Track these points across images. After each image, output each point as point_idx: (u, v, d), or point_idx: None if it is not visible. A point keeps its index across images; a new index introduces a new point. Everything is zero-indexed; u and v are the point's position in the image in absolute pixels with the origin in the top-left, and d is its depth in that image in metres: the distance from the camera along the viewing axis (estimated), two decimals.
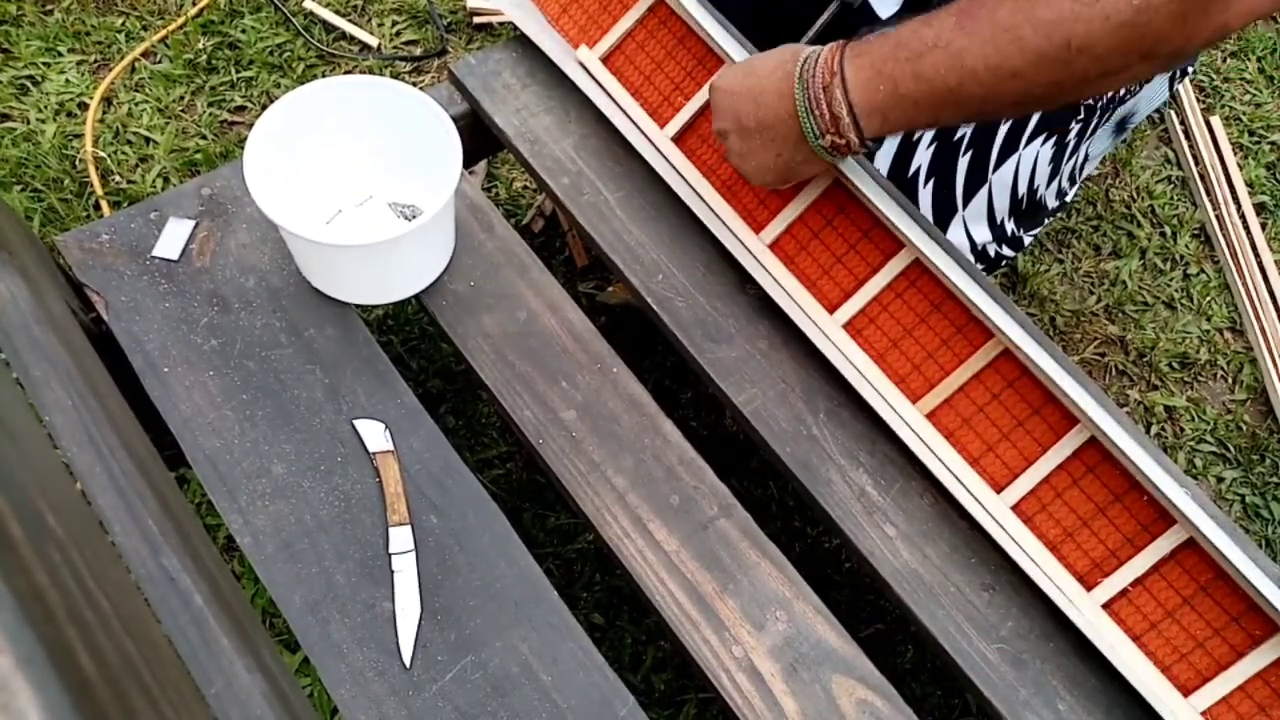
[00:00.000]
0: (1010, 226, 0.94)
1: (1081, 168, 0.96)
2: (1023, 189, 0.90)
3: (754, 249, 0.79)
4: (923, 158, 0.87)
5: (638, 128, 0.85)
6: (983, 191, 0.89)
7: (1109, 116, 0.92)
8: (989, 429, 0.72)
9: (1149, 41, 0.57)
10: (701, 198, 0.81)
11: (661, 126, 0.84)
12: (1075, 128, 0.88)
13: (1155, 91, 0.92)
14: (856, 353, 0.76)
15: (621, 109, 0.85)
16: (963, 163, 0.87)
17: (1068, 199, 1.01)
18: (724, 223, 0.80)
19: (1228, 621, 0.66)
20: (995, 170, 0.88)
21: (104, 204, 1.18)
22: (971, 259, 0.91)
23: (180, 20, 1.34)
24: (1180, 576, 0.67)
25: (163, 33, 1.33)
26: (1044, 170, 0.89)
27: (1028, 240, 0.99)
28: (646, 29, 0.85)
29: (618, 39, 0.85)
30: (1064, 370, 0.72)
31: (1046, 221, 1.01)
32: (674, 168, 0.83)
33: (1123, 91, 0.90)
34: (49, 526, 0.39)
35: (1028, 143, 0.86)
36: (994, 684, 0.67)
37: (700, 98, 0.83)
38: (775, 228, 0.79)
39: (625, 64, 0.85)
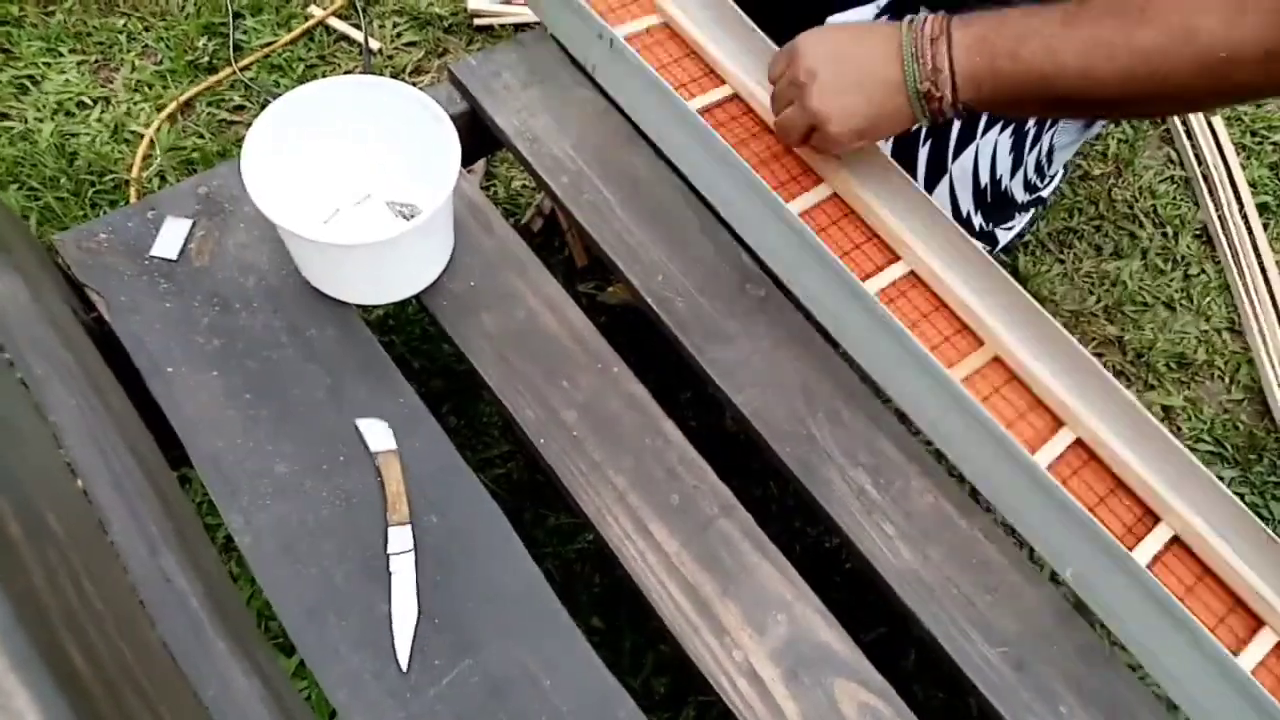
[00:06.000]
0: (978, 221, 0.94)
1: (1049, 160, 0.95)
2: (985, 179, 0.90)
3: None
4: (885, 150, 0.87)
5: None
6: (944, 182, 0.89)
7: None
8: None
9: (1230, 84, 0.62)
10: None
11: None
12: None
13: None
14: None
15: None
16: (923, 153, 0.88)
17: (1043, 195, 1.00)
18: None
19: (1216, 623, 0.66)
20: (955, 160, 0.88)
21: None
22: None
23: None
24: (1169, 579, 0.67)
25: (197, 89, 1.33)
26: (1005, 159, 0.90)
27: (1003, 238, 0.99)
28: (641, 42, 0.85)
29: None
30: (1053, 373, 0.73)
31: (1018, 218, 1.00)
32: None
33: None
34: (49, 528, 0.38)
35: (984, 131, 0.87)
36: (996, 686, 0.67)
37: (708, 97, 0.83)
38: None
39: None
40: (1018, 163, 0.91)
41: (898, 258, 0.78)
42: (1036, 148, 0.91)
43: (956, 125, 0.86)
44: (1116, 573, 0.65)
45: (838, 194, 0.80)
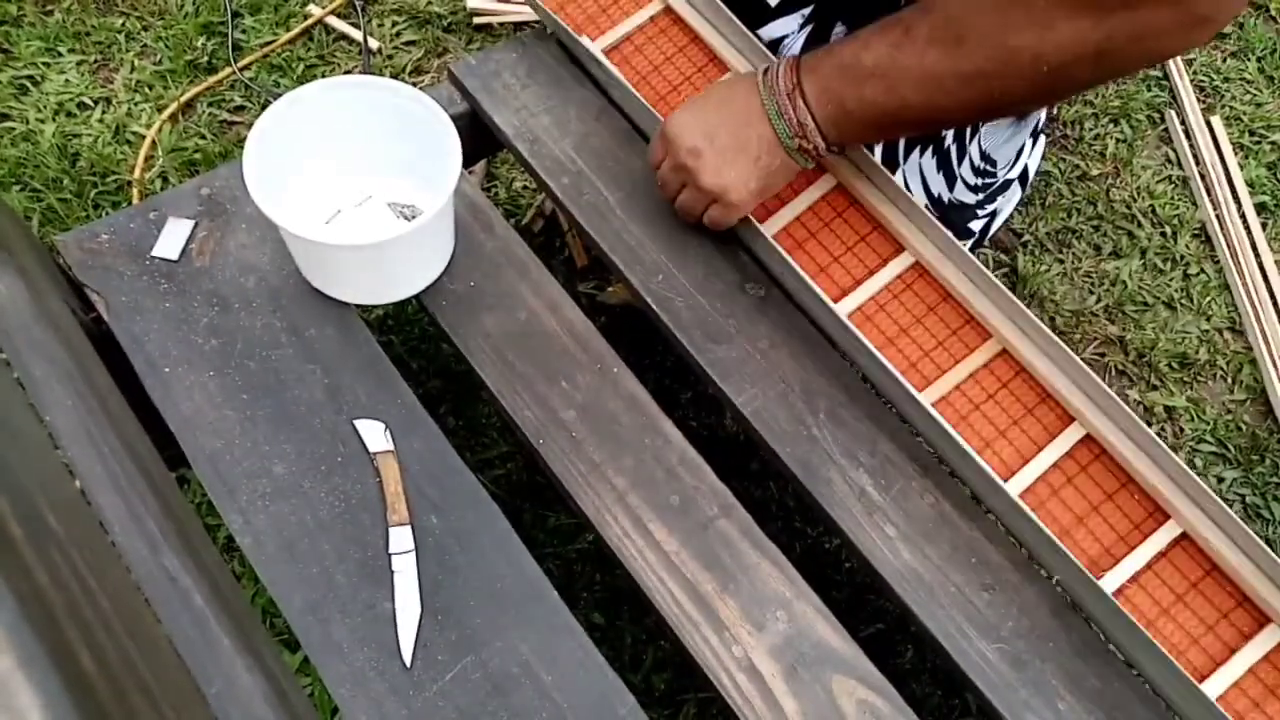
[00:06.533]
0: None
1: (990, 160, 0.95)
2: (923, 200, 0.90)
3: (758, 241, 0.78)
4: None
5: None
6: None
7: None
8: (985, 426, 0.73)
9: (1070, 84, 0.63)
10: None
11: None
12: (948, 135, 0.88)
13: None
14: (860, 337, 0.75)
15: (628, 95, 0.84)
16: None
17: (1010, 178, 0.99)
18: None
19: (1219, 618, 0.67)
20: None
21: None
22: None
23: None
24: (1174, 574, 0.68)
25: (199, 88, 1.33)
26: (936, 179, 0.90)
27: (989, 224, 0.98)
28: (646, 34, 0.86)
29: (616, 40, 0.86)
30: (1060, 369, 0.73)
31: (994, 205, 0.98)
32: None
33: None
34: (50, 527, 0.39)
35: (906, 157, 0.87)
36: (994, 684, 0.67)
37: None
38: (775, 223, 0.80)
39: (621, 63, 0.86)
40: (950, 178, 0.90)
41: (902, 249, 0.78)
42: (965, 159, 0.91)
43: (878, 156, 0.86)
44: (1091, 596, 0.67)
45: (842, 185, 0.80)
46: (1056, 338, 0.72)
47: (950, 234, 0.75)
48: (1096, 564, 0.69)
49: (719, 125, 0.72)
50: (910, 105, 0.65)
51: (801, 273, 0.74)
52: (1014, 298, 0.73)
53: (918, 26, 0.64)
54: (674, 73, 0.84)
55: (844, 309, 0.76)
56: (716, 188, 0.73)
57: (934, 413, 0.70)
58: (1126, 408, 0.70)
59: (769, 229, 0.79)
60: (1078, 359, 0.71)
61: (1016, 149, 0.97)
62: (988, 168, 0.94)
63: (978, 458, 0.68)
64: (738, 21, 0.82)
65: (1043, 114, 0.98)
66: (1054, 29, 0.59)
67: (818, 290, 0.74)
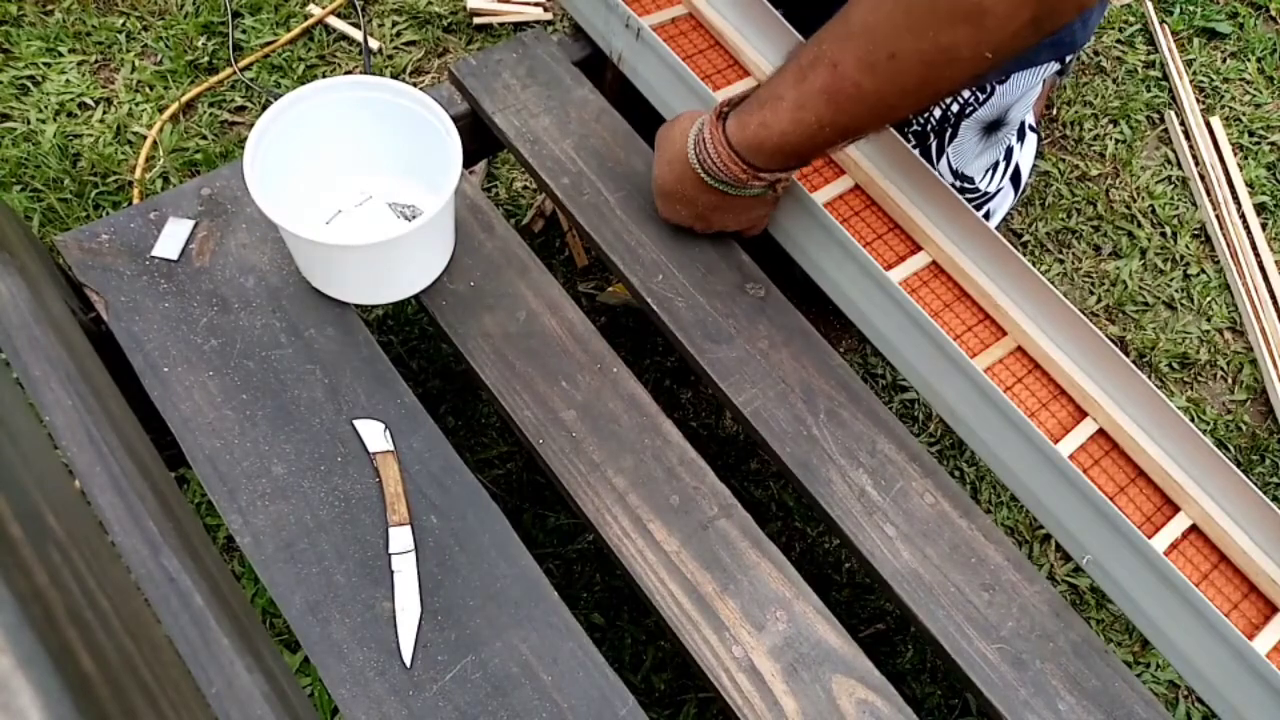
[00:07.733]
0: None
1: (965, 178, 0.94)
2: None
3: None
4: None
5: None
6: None
7: (951, 133, 0.90)
8: None
9: (1006, 59, 0.56)
10: None
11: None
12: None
13: (1017, 87, 0.89)
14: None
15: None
16: None
17: (1002, 187, 0.98)
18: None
19: (1230, 609, 0.67)
20: None
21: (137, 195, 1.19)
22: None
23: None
24: (1185, 565, 0.68)
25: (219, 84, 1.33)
26: None
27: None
28: (666, 33, 0.86)
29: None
30: (1074, 362, 0.73)
31: (985, 209, 0.98)
32: None
33: (955, 108, 0.88)
34: (49, 527, 0.39)
35: None
36: (994, 684, 0.67)
37: (732, 89, 0.83)
38: None
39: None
40: None
41: (919, 248, 0.78)
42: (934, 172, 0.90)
43: None
44: (1134, 560, 0.66)
45: (859, 185, 0.80)
46: (1083, 317, 0.71)
47: (981, 218, 0.75)
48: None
49: (705, 201, 0.75)
50: (864, 129, 0.65)
51: (852, 240, 0.74)
52: (1043, 278, 0.72)
53: (843, 61, 0.60)
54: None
55: (893, 278, 0.75)
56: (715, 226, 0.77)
57: (985, 378, 0.70)
58: (1150, 384, 0.69)
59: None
60: (1103, 337, 0.71)
61: (991, 162, 0.96)
62: (964, 185, 0.94)
63: (1029, 422, 0.68)
64: (779, 18, 0.81)
65: (1029, 116, 0.98)
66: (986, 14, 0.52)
67: (869, 259, 0.73)
